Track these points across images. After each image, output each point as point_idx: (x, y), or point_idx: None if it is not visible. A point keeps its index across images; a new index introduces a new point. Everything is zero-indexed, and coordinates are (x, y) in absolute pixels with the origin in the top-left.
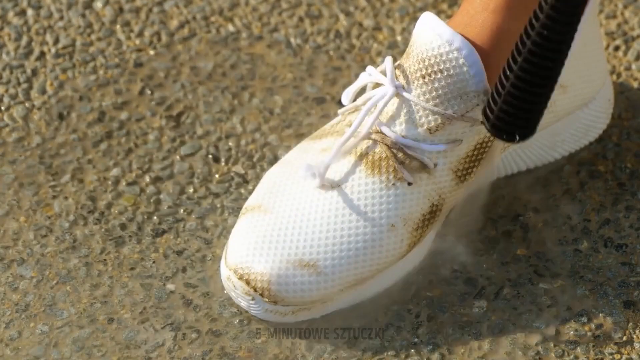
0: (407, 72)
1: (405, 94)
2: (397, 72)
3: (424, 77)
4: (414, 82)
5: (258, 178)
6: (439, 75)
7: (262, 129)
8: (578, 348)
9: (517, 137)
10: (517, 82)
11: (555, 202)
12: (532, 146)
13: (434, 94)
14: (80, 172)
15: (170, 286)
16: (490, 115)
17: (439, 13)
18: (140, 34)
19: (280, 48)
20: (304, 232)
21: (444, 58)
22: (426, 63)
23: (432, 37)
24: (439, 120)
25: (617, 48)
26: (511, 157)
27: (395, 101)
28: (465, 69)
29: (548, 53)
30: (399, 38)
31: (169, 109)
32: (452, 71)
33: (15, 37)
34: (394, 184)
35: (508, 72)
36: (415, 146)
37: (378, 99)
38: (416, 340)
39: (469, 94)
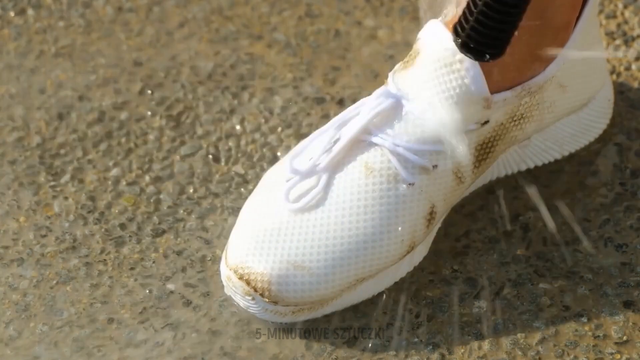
0: (407, 79)
1: (404, 101)
2: (397, 76)
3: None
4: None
5: (258, 178)
6: (441, 80)
7: (262, 129)
8: (578, 348)
9: (487, 57)
10: (490, 1)
11: (555, 202)
12: (532, 146)
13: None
14: (80, 172)
15: (170, 286)
16: (461, 33)
17: (439, 13)
18: (140, 34)
19: (280, 48)
20: (304, 232)
21: (448, 69)
22: (430, 71)
23: (439, 48)
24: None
25: (617, 48)
26: (511, 157)
27: (394, 105)
28: (466, 80)
29: None
30: (399, 38)
31: (169, 109)
32: (453, 82)
33: (15, 37)
34: (394, 185)
35: None
36: (415, 148)
37: (377, 104)
38: (416, 340)
39: (465, 101)
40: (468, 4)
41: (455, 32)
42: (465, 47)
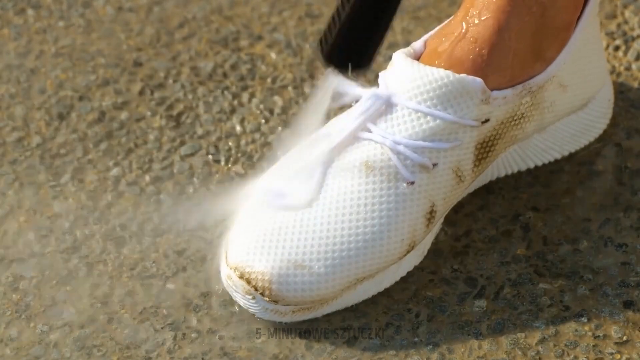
0: (393, 74)
1: (401, 99)
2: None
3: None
4: (409, 87)
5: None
6: (434, 84)
7: (262, 129)
8: (578, 348)
9: (351, 69)
10: (355, 11)
11: (555, 202)
12: (532, 146)
13: (431, 93)
14: (80, 172)
15: (170, 286)
16: (325, 44)
17: (439, 12)
18: (140, 33)
19: (280, 48)
20: (304, 231)
21: (439, 83)
22: (422, 85)
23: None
24: (437, 121)
25: (617, 48)
26: (511, 157)
27: (392, 103)
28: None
29: None
30: (399, 38)
31: (169, 109)
32: (449, 86)
33: (15, 37)
34: (394, 184)
35: (345, 1)
36: (414, 146)
37: (375, 102)
38: (416, 339)
39: (463, 95)
40: (332, 15)
41: (320, 44)
42: (329, 58)
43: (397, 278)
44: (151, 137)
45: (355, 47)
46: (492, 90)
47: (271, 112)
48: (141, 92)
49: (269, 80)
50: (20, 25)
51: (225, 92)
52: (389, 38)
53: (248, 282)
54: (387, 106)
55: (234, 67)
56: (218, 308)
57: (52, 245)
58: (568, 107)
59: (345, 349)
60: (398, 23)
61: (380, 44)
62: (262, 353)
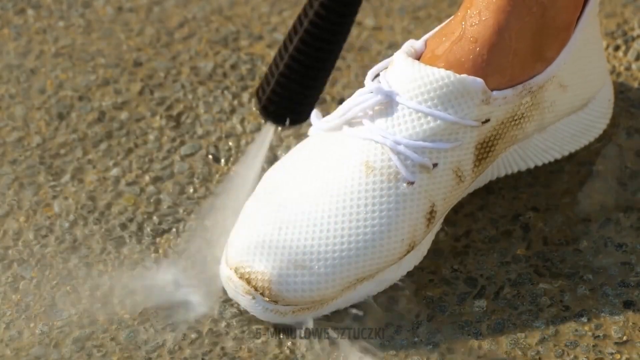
0: (394, 74)
1: (401, 99)
2: (386, 74)
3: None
4: (409, 87)
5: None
6: (435, 85)
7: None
8: (578, 348)
9: (288, 122)
10: (292, 64)
11: (555, 202)
12: (532, 146)
13: (432, 94)
14: (80, 172)
15: (170, 286)
16: (262, 96)
17: (439, 12)
18: (140, 33)
19: None
20: (304, 231)
21: (440, 83)
22: (424, 86)
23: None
24: (438, 122)
25: (617, 48)
26: (511, 157)
27: (394, 103)
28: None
29: (325, 35)
30: (399, 38)
31: (169, 109)
32: (450, 86)
33: (15, 37)
34: (394, 184)
35: (283, 53)
36: (415, 146)
37: (375, 102)
38: (416, 339)
39: (464, 95)
40: (270, 67)
41: (257, 96)
42: (266, 111)
43: (397, 278)
44: (151, 137)
45: (292, 100)
46: (492, 90)
47: None
48: (141, 92)
49: None
50: (20, 25)
51: (225, 92)
52: (388, 38)
53: (248, 282)
54: (388, 106)
55: (234, 67)
56: (218, 308)
57: (52, 245)
58: (568, 107)
59: (345, 349)
60: (398, 23)
61: (317, 97)
62: (262, 353)
